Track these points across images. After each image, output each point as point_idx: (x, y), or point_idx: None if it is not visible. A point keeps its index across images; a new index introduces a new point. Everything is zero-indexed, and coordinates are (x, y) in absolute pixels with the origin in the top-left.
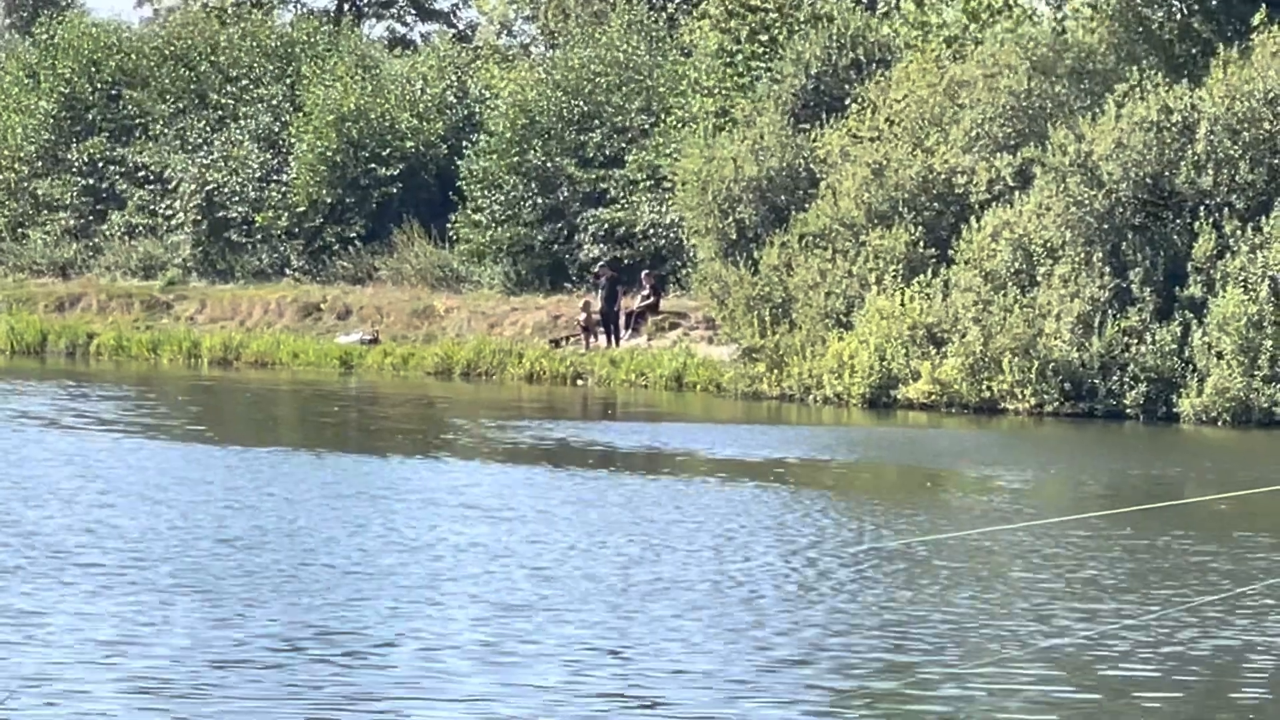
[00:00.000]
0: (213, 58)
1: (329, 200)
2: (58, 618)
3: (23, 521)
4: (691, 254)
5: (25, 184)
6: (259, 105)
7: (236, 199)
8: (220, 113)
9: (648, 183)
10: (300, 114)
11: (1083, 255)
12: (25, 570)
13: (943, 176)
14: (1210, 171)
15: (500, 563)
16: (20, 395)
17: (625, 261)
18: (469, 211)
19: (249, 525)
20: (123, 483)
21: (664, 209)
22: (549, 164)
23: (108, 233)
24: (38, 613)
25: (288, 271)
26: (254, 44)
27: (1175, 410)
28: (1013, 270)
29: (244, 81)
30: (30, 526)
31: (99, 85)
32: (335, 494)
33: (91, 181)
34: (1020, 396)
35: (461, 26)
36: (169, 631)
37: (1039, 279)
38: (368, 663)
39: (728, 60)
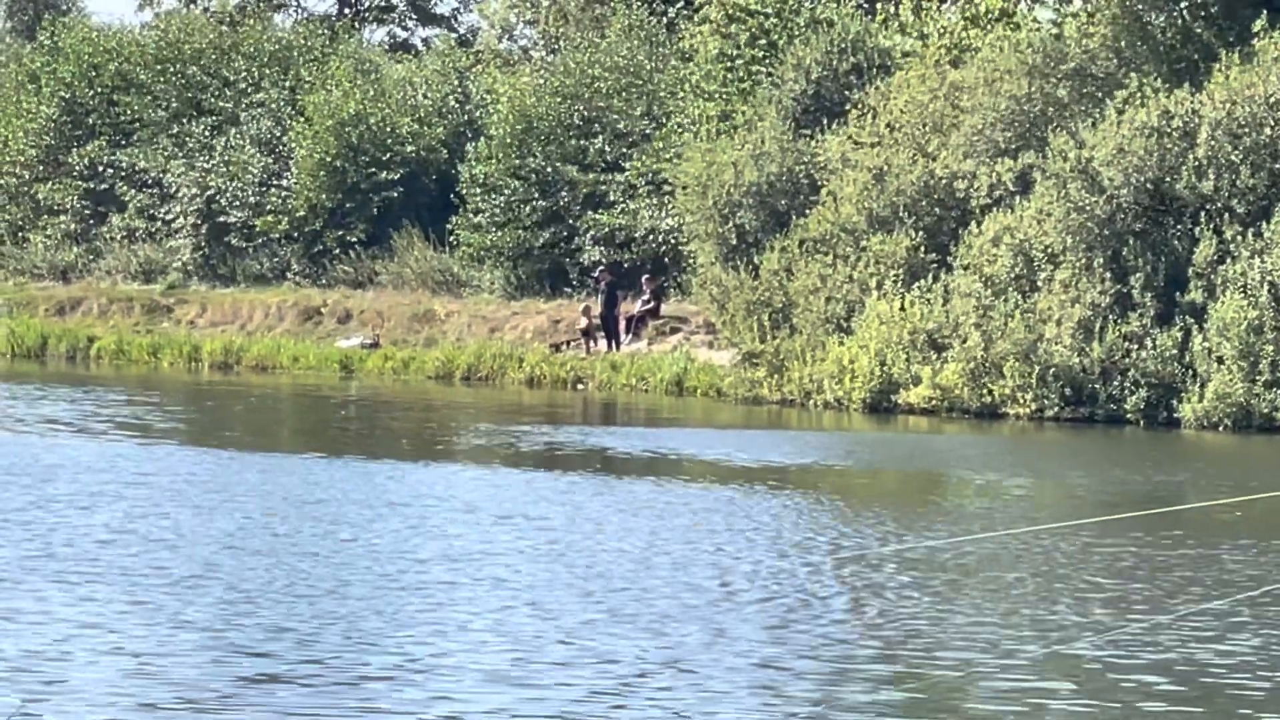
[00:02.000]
0: (202, 63)
1: (329, 205)
2: (95, 629)
3: (71, 530)
4: (692, 259)
5: (26, 188)
6: (259, 110)
7: (237, 204)
8: (218, 117)
9: (648, 187)
10: (301, 119)
11: (1083, 260)
12: (58, 576)
13: (943, 182)
14: (1211, 176)
15: (563, 573)
16: (46, 402)
17: (625, 266)
18: (469, 214)
19: (290, 533)
20: (171, 491)
21: (663, 214)
22: (549, 168)
23: (108, 237)
24: (71, 621)
25: (288, 276)
26: (252, 49)
27: (1176, 416)
28: (1013, 275)
29: (242, 86)
30: (75, 534)
31: (99, 90)
32: (386, 502)
33: (92, 186)
34: (1021, 401)
35: (463, 31)
36: (212, 641)
37: (1040, 284)
38: (418, 678)
39: (728, 65)
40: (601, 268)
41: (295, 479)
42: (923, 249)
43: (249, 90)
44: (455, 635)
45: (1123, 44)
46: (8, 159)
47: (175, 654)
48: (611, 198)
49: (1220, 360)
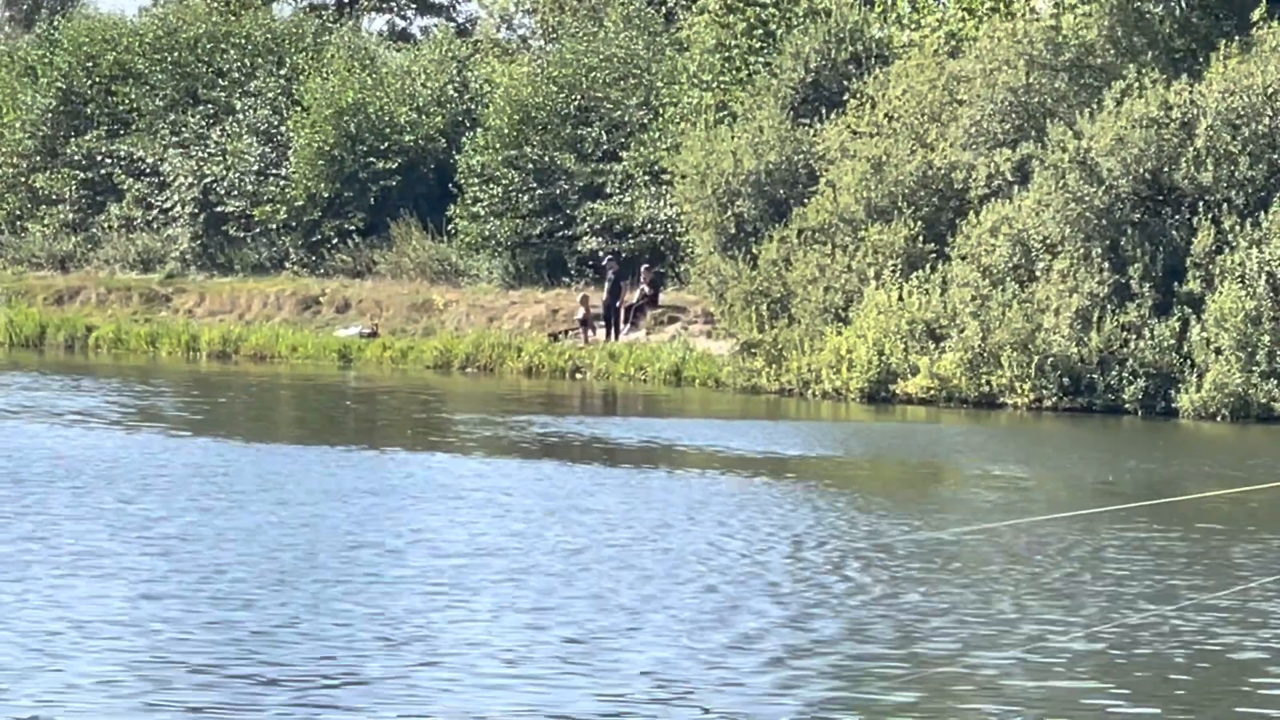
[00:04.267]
0: (198, 51)
1: (327, 194)
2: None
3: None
4: (690, 248)
5: (24, 178)
6: (256, 99)
7: (235, 193)
8: (214, 106)
9: (645, 177)
10: (298, 108)
11: (1082, 251)
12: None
13: (942, 172)
14: (1209, 167)
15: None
16: (72, 393)
17: (624, 255)
18: (467, 204)
19: (324, 527)
20: (226, 484)
21: (661, 203)
22: (546, 158)
23: (106, 226)
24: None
25: (286, 265)
26: (245, 39)
27: (1174, 405)
28: (1011, 265)
29: (236, 75)
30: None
31: (97, 79)
32: (418, 495)
33: (89, 175)
34: (1019, 391)
35: (461, 20)
36: (240, 637)
37: (1038, 274)
38: (455, 677)
39: (726, 55)
40: (609, 257)
41: (346, 472)
42: (921, 239)
43: (242, 80)
44: (547, 634)
45: (1120, 34)
46: (5, 149)
47: (220, 650)
48: (609, 188)
49: (1218, 350)
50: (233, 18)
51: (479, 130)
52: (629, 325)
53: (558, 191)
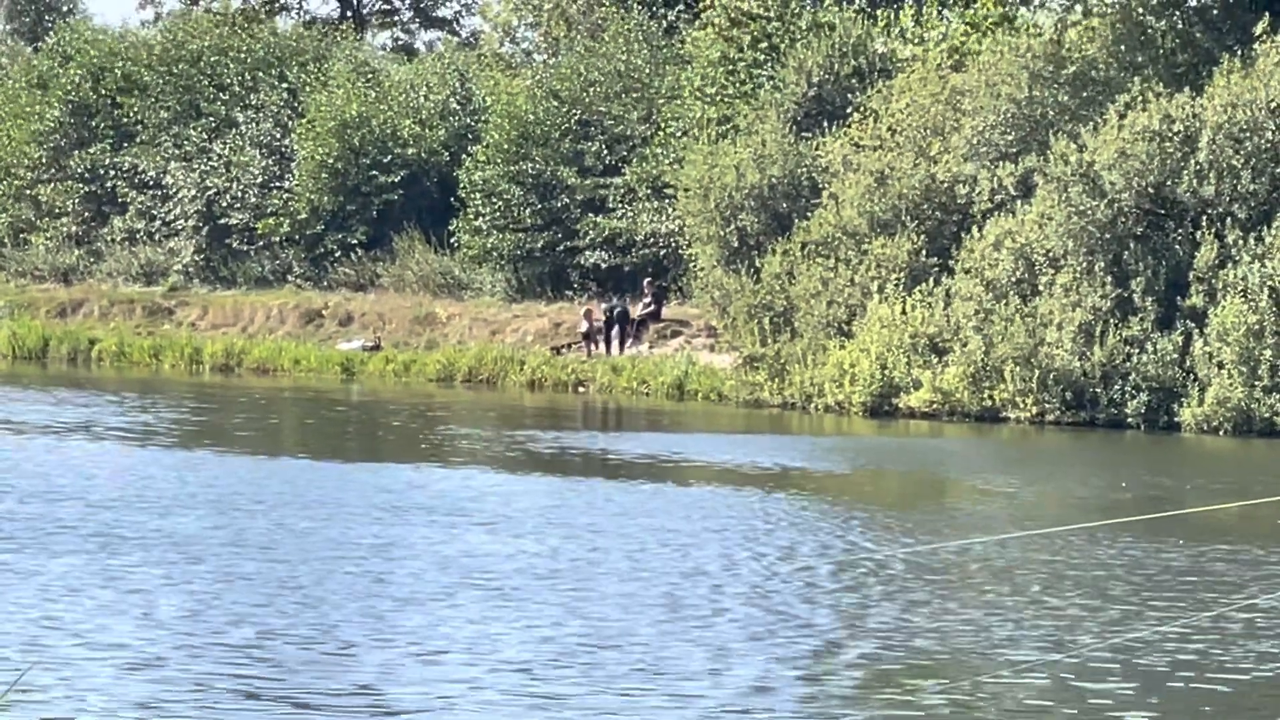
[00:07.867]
0: (201, 64)
1: (330, 207)
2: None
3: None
4: (693, 262)
5: (28, 190)
6: (260, 112)
7: (238, 205)
8: (214, 119)
9: (647, 191)
10: (302, 121)
11: (1084, 265)
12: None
13: (945, 185)
14: (1212, 181)
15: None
16: (96, 408)
17: (627, 269)
18: (470, 217)
19: (349, 540)
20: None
21: (663, 217)
22: (547, 172)
23: (109, 239)
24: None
25: (289, 278)
26: (245, 52)
27: (1176, 420)
28: (1014, 279)
29: (237, 89)
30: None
31: (104, 92)
32: (457, 513)
33: (93, 188)
34: (1021, 405)
35: (465, 35)
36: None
37: (1041, 288)
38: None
39: (729, 68)
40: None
41: (384, 487)
42: (924, 252)
43: (244, 93)
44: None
45: (1123, 49)
46: (10, 160)
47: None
48: (611, 202)
49: (1220, 364)
50: (237, 31)
51: (480, 145)
52: (632, 339)
53: (559, 205)
